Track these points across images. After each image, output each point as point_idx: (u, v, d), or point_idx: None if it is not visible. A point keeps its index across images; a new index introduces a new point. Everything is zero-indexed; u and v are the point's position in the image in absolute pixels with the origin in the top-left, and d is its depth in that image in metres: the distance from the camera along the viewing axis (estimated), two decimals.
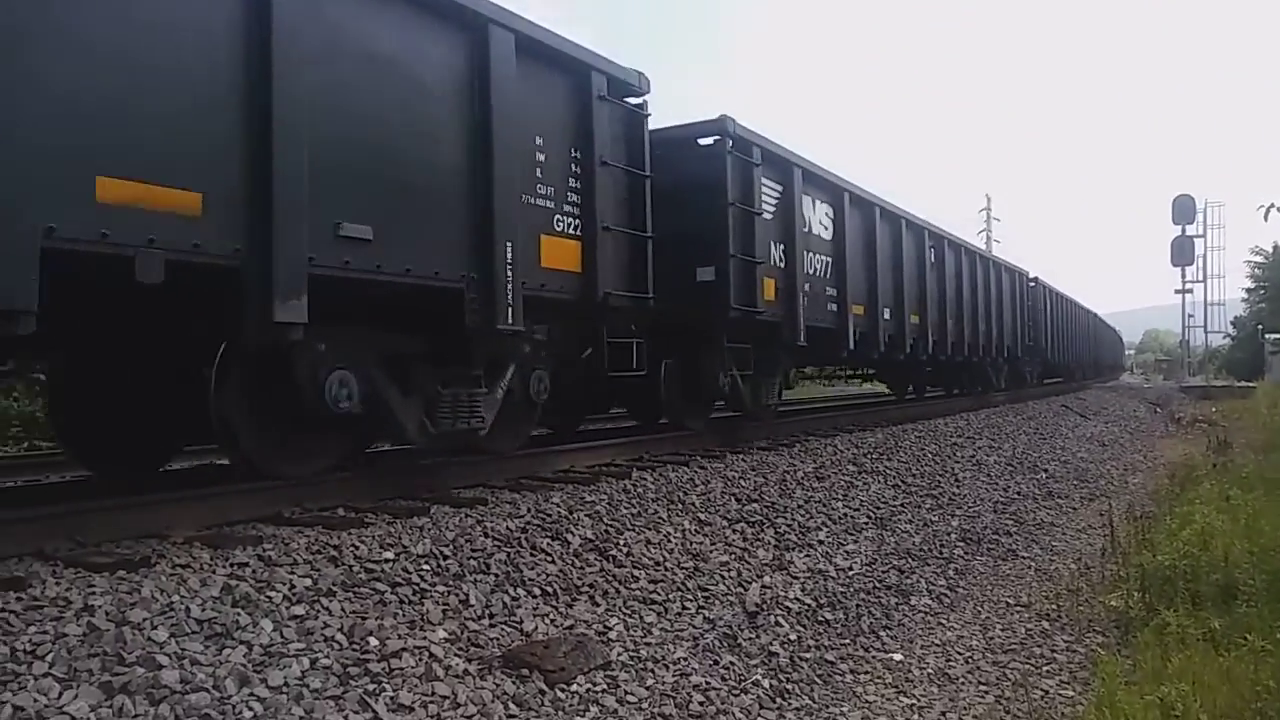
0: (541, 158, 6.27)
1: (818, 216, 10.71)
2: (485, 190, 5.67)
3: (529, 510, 5.36)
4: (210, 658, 3.11)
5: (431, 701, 3.30)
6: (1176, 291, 47.23)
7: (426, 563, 4.31)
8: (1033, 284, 23.40)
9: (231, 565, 3.84)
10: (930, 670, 5.00)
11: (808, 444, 9.72)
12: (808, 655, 4.81)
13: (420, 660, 3.50)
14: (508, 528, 4.97)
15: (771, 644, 4.75)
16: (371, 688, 3.24)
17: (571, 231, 6.55)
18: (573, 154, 6.59)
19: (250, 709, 2.93)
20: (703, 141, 8.88)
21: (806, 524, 6.77)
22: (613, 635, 4.28)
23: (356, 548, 4.27)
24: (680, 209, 8.26)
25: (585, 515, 5.49)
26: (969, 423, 14.07)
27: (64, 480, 6.76)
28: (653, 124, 7.66)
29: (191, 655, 3.08)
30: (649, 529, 5.63)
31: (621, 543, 5.28)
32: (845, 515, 7.32)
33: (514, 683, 3.62)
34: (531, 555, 4.76)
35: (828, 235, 10.98)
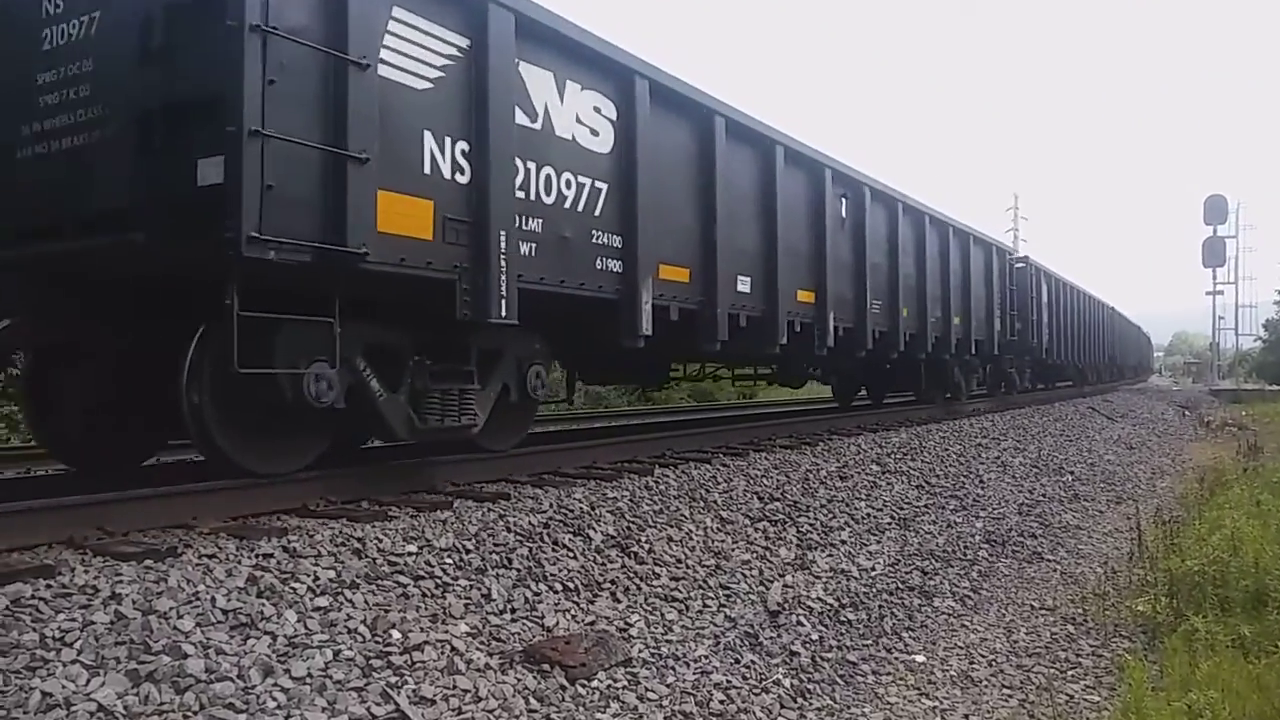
0: None
1: (571, 110, 6.33)
2: None
3: (551, 505, 5.37)
4: (235, 647, 3.14)
5: (453, 695, 3.31)
6: (1207, 293, 46.65)
7: (449, 556, 4.33)
8: (1020, 264, 19.05)
9: (257, 556, 3.87)
10: (953, 672, 4.96)
11: (830, 443, 9.67)
12: (829, 655, 4.78)
13: (442, 654, 3.51)
14: (530, 523, 4.98)
15: (793, 643, 4.73)
16: (394, 680, 3.25)
17: None
18: None
19: (274, 699, 2.95)
20: None
21: (829, 523, 6.73)
22: (634, 632, 4.28)
23: (380, 540, 4.29)
24: (176, 50, 4.50)
25: (607, 511, 5.49)
26: (994, 424, 13.94)
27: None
28: None
29: (217, 645, 3.11)
30: (671, 526, 5.63)
31: (643, 539, 5.28)
32: (868, 515, 7.28)
33: (535, 678, 3.62)
34: (554, 550, 4.77)
35: (600, 147, 6.60)
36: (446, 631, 3.69)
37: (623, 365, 9.72)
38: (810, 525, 6.54)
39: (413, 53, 5.16)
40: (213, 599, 3.36)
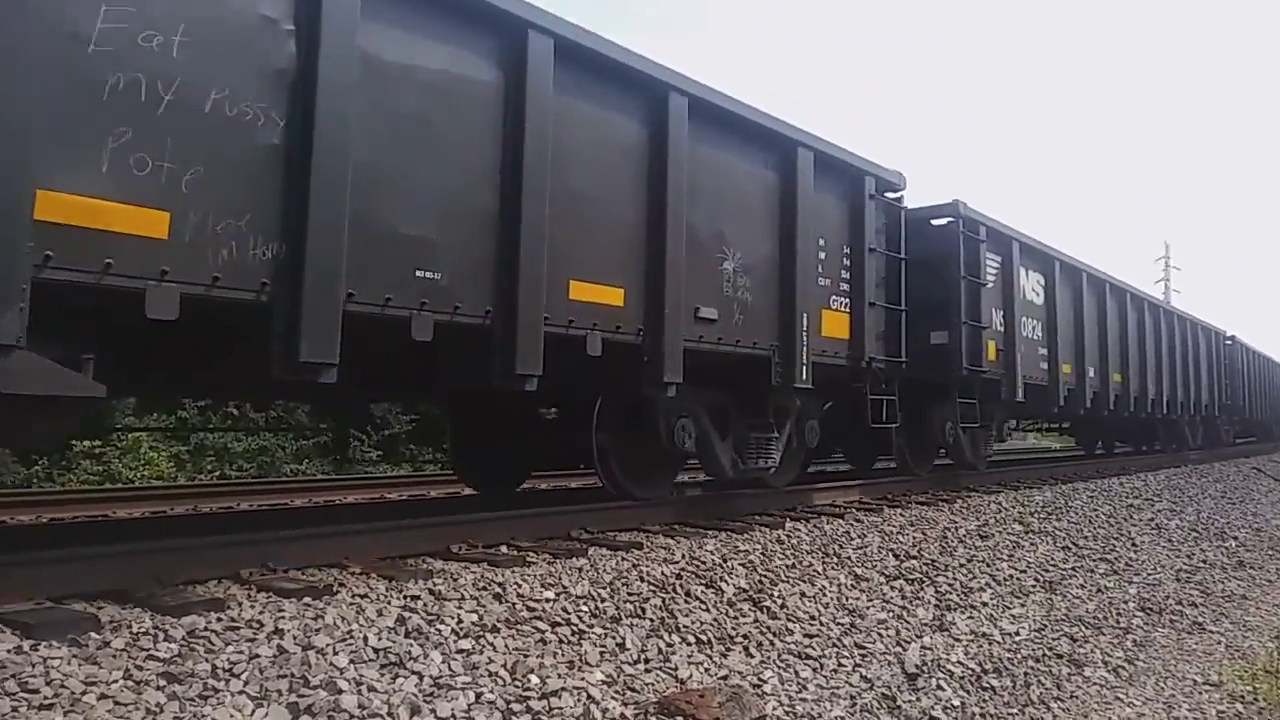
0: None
1: None
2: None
3: (684, 556, 5.38)
4: (385, 685, 3.27)
5: None
6: None
7: (585, 604, 4.40)
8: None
9: (405, 597, 4.03)
10: None
11: (969, 500, 9.33)
12: None
13: (579, 701, 3.56)
14: (663, 573, 5.01)
15: (933, 708, 4.56)
16: None
17: None
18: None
19: None
20: None
21: (969, 584, 6.49)
22: (767, 688, 4.22)
23: (519, 586, 4.40)
24: None
25: (739, 564, 5.47)
26: (1146, 483, 13.17)
27: (256, 509, 7.27)
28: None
29: (369, 682, 3.24)
30: (803, 581, 5.55)
31: (776, 594, 5.22)
32: (1011, 576, 6.98)
33: None
34: (686, 601, 4.78)
35: None
36: (583, 679, 3.74)
37: None
38: (949, 585, 6.32)
39: None
40: (365, 637, 3.52)
